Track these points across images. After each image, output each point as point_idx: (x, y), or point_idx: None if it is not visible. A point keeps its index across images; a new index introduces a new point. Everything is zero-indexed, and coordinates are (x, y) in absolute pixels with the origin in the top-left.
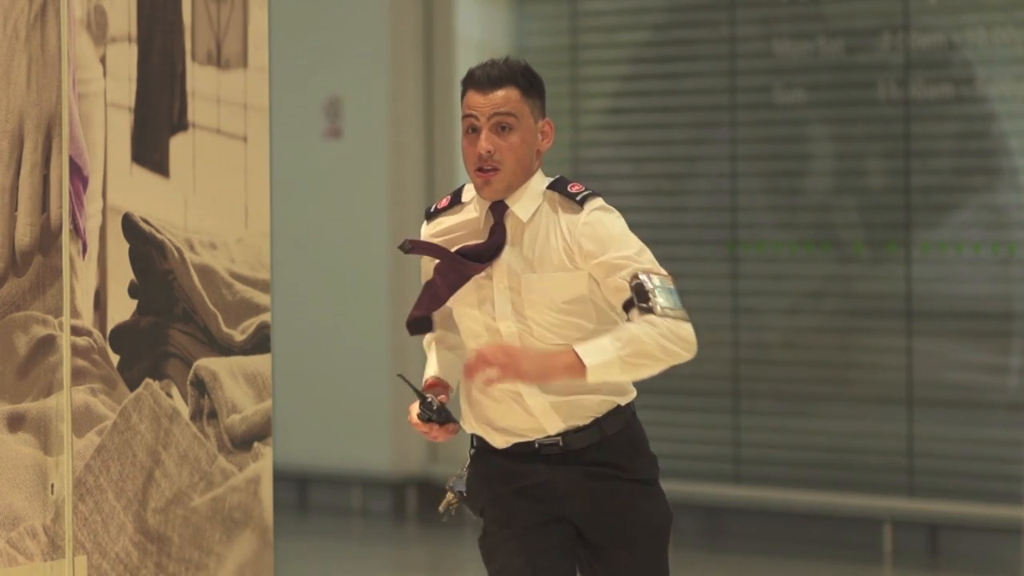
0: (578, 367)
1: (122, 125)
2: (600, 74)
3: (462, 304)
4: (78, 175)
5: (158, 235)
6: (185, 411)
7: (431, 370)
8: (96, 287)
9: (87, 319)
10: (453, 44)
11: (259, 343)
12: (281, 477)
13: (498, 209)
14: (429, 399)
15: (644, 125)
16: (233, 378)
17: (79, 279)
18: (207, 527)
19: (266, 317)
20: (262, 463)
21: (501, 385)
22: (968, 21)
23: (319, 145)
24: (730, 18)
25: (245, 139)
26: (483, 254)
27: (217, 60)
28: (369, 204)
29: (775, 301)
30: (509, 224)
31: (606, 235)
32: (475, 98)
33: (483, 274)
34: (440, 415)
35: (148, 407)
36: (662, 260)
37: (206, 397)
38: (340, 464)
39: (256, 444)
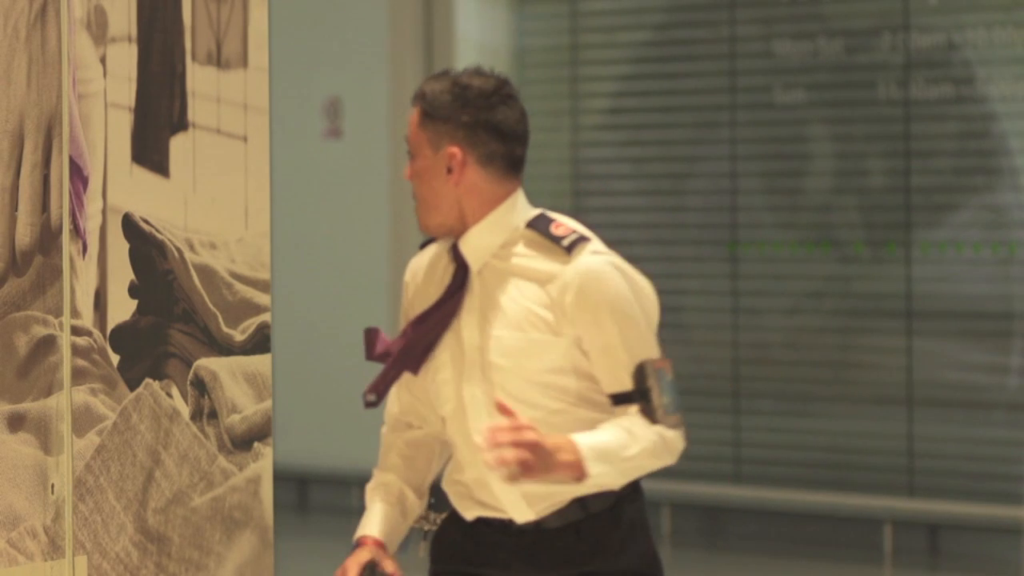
0: (577, 469)
1: (122, 125)
2: (600, 74)
3: (432, 363)
4: (78, 175)
5: (158, 235)
6: (185, 411)
7: (372, 528)
8: (96, 287)
9: (87, 319)
10: (453, 44)
11: (259, 343)
12: (281, 477)
13: (457, 253)
14: (375, 570)
15: (644, 125)
16: (233, 378)
17: (79, 279)
18: (207, 527)
19: (266, 317)
20: (262, 463)
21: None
22: (968, 21)
23: (319, 145)
24: (730, 18)
25: (245, 139)
26: (444, 304)
27: (217, 60)
28: (369, 204)
29: (775, 301)
30: (472, 271)
31: (605, 304)
32: None
33: (452, 327)
34: None
35: (148, 407)
36: (662, 260)
37: (206, 397)
38: (340, 464)
39: (256, 444)
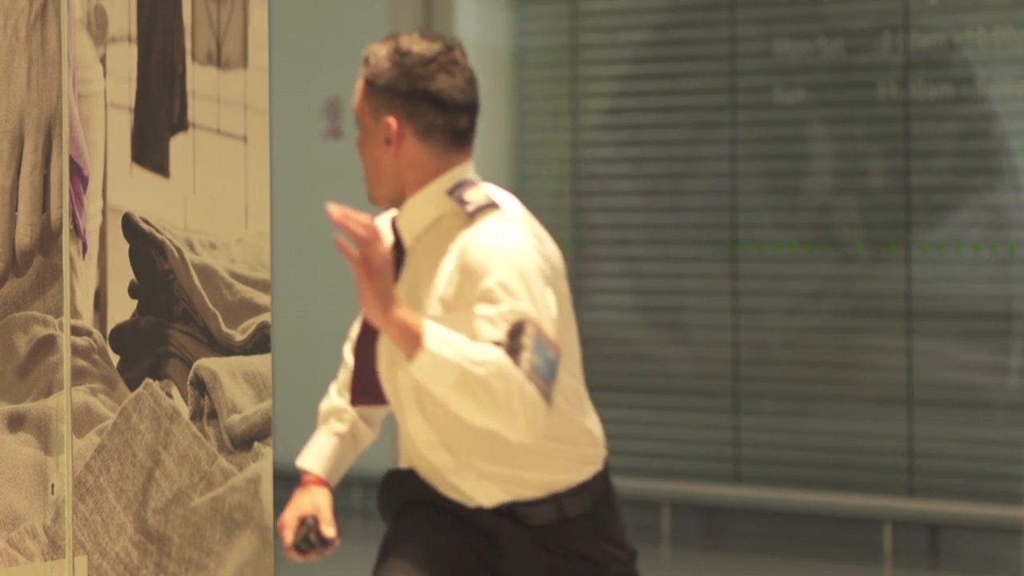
0: (413, 340)
1: (122, 125)
2: (600, 74)
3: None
4: (78, 175)
5: (158, 235)
6: (185, 411)
7: (318, 463)
8: (96, 287)
9: (87, 319)
10: None
11: (259, 343)
12: (281, 477)
13: (396, 225)
14: (310, 534)
15: (644, 125)
16: (233, 378)
17: (79, 279)
18: (207, 527)
19: (266, 317)
20: (262, 463)
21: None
22: (968, 21)
23: (319, 145)
24: (730, 18)
25: (245, 139)
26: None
27: (217, 60)
28: (369, 204)
29: (775, 301)
30: (407, 245)
31: (494, 251)
32: None
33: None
34: (322, 547)
35: (148, 407)
36: (662, 260)
37: (206, 397)
38: None
39: (256, 444)
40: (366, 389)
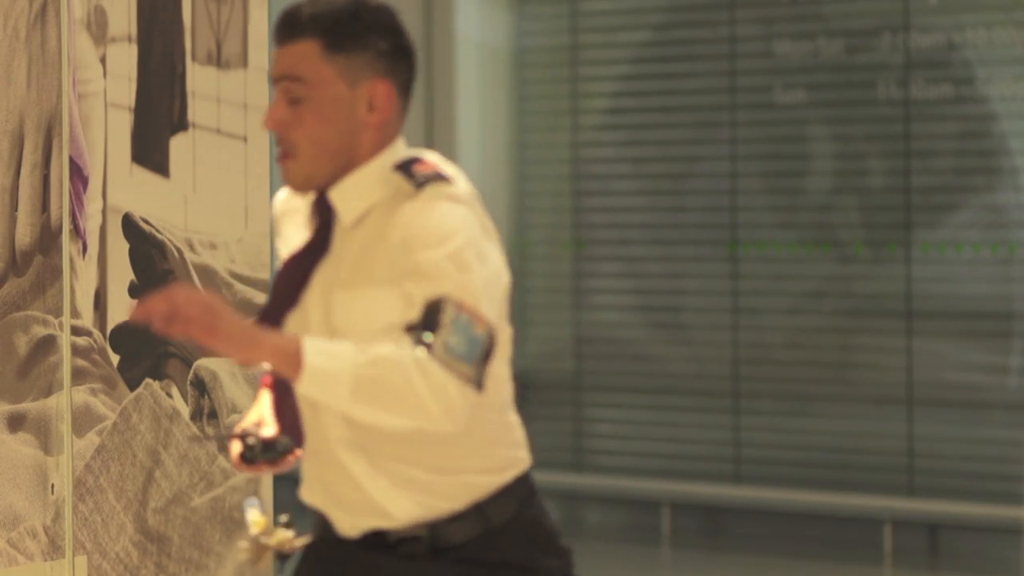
0: (293, 361)
1: (122, 125)
2: (600, 74)
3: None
4: (78, 175)
5: (158, 235)
6: (185, 411)
7: (256, 411)
8: (96, 287)
9: (87, 319)
10: (453, 44)
11: None
12: (281, 477)
13: (322, 207)
14: (249, 439)
15: (644, 125)
16: (233, 378)
17: (79, 279)
18: (207, 527)
19: None
20: None
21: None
22: (968, 21)
23: None
24: (730, 18)
25: (245, 139)
26: (299, 267)
27: (217, 60)
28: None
29: (775, 301)
30: (338, 225)
31: (430, 226)
32: (273, 53)
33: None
34: (267, 452)
35: (148, 407)
36: (662, 260)
37: (206, 397)
38: None
39: None
40: (291, 427)
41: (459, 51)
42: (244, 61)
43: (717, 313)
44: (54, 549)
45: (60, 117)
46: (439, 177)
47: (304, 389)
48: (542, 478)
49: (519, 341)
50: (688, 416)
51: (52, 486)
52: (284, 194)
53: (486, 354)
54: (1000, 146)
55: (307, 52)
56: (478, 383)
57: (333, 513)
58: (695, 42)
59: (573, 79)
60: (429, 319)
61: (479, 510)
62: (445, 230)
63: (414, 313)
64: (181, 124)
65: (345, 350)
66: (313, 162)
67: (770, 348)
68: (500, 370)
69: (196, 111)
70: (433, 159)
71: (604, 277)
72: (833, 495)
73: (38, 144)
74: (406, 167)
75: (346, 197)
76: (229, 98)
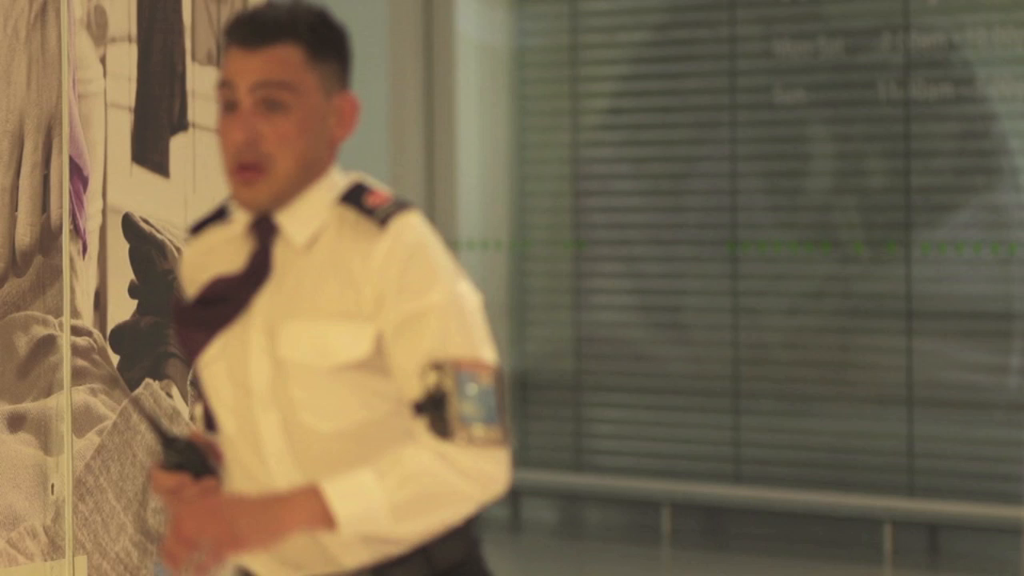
0: (324, 519)
1: (122, 125)
2: (600, 74)
3: (209, 374)
4: (78, 175)
5: (158, 235)
6: (185, 411)
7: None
8: (96, 287)
9: (87, 319)
10: (453, 44)
11: None
12: None
13: (263, 228)
14: (173, 436)
15: (644, 125)
16: None
17: (79, 279)
18: None
19: None
20: None
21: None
22: (968, 21)
23: None
24: (730, 18)
25: None
26: (232, 294)
27: (217, 60)
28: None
29: (775, 301)
30: (279, 251)
31: (421, 281)
32: (235, 58)
33: (235, 324)
34: (192, 460)
35: (148, 407)
36: (662, 260)
37: None
38: None
39: None
40: None
41: (459, 51)
42: None
43: (717, 313)
44: (54, 549)
45: (60, 117)
46: (398, 207)
47: (346, 533)
48: (542, 478)
49: (519, 341)
50: (688, 416)
51: (52, 486)
52: (197, 246)
53: (500, 400)
54: (1000, 146)
55: (290, 57)
56: (506, 437)
57: (267, 569)
58: (695, 42)
59: (573, 79)
60: (433, 395)
61: (424, 553)
62: (427, 277)
63: (413, 389)
64: (181, 124)
65: (368, 481)
66: (288, 179)
67: (770, 348)
68: None
69: (196, 111)
70: (375, 184)
71: (604, 277)
72: (833, 495)
73: (38, 144)
74: (354, 199)
75: (298, 219)
76: None
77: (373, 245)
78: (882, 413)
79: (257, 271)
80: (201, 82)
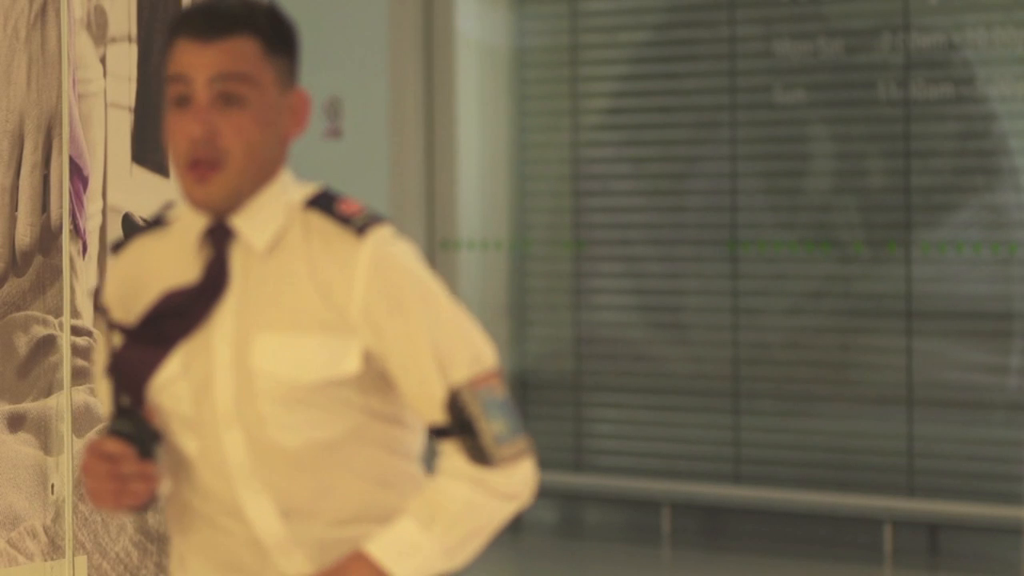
0: (372, 570)
1: (122, 125)
2: (600, 74)
3: (167, 395)
4: (78, 175)
5: None
6: None
7: None
8: (96, 287)
9: (87, 319)
10: (453, 44)
11: None
12: None
13: (218, 234)
14: (130, 408)
15: (644, 125)
16: None
17: (79, 279)
18: None
19: None
20: None
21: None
22: (968, 21)
23: (319, 145)
24: (730, 18)
25: None
26: (188, 307)
27: None
28: (369, 204)
29: (775, 301)
30: (236, 257)
31: (413, 297)
32: (188, 51)
33: (194, 338)
34: (142, 436)
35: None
36: (662, 260)
37: None
38: None
39: None
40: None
41: (459, 51)
42: None
43: (717, 313)
44: (54, 549)
45: (60, 117)
46: (374, 218)
47: None
48: (542, 478)
49: (519, 341)
50: (688, 416)
51: (52, 486)
52: (127, 261)
53: (516, 411)
54: (1000, 146)
55: (248, 49)
56: (527, 451)
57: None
58: (695, 42)
59: (573, 79)
60: (458, 418)
61: None
62: (431, 296)
63: (435, 413)
64: None
65: (414, 534)
66: (242, 175)
67: (770, 348)
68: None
69: None
70: (341, 193)
71: (604, 277)
72: (833, 495)
73: (38, 144)
74: (324, 205)
75: (256, 221)
76: None
77: (352, 254)
78: (882, 413)
79: (215, 281)
80: None
